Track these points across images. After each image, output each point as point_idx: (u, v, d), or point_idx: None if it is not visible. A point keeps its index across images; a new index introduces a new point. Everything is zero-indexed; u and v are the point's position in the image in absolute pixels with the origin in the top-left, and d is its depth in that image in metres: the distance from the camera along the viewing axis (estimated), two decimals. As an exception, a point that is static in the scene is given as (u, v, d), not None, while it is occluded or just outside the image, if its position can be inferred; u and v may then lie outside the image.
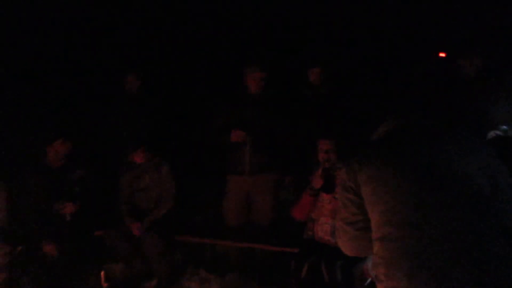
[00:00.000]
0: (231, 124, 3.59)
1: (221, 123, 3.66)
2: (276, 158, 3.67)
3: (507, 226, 1.49)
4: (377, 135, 1.71)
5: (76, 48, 4.50)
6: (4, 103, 3.91)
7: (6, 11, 3.89)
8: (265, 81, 3.63)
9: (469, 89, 3.28)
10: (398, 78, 3.69)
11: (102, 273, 3.40)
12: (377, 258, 1.52)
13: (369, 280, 2.71)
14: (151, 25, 4.58)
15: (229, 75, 3.82)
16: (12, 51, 4.03)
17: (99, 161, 4.06)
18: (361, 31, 4.52)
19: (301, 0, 4.88)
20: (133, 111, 4.06)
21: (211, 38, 4.85)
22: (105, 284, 3.51)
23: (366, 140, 1.79)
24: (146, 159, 3.71)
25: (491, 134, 3.51)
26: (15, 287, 3.29)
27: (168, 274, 3.57)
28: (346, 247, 1.71)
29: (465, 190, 1.45)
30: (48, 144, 3.52)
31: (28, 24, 4.15)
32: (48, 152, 3.54)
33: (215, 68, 4.53)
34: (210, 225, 4.03)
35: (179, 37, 4.50)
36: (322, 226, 3.12)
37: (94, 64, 4.51)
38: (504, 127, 3.63)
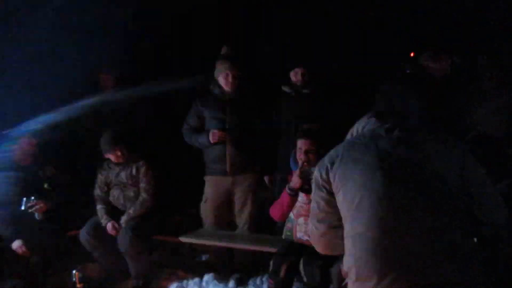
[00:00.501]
0: (208, 123, 3.56)
1: (197, 122, 3.63)
2: (256, 157, 3.65)
3: (478, 223, 1.53)
4: (351, 134, 1.73)
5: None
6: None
7: None
8: (241, 80, 3.59)
9: (441, 90, 3.32)
10: (375, 78, 3.71)
11: (77, 273, 3.32)
12: (348, 255, 1.54)
13: (347, 279, 2.70)
14: (126, 21, 4.50)
15: (208, 74, 3.77)
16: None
17: (74, 159, 3.98)
18: (343, 31, 4.54)
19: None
20: (109, 109, 3.99)
21: (190, 36, 4.81)
22: (79, 285, 3.41)
23: (342, 138, 1.80)
24: (123, 158, 3.64)
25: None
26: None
27: (144, 275, 3.53)
28: (319, 245, 1.73)
29: (437, 190, 1.47)
30: (14, 142, 3.47)
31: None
32: (15, 150, 3.50)
33: (194, 65, 4.48)
34: (189, 225, 3.98)
35: (156, 34, 4.43)
36: (301, 226, 3.11)
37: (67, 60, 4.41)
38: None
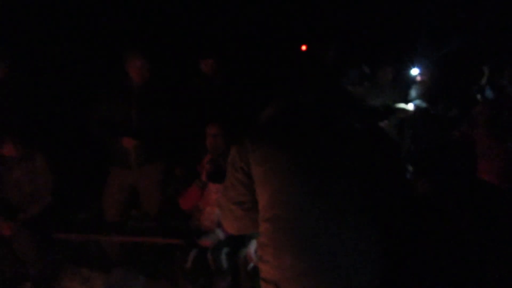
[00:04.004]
0: (112, 117, 3.42)
1: (102, 114, 3.47)
2: (163, 149, 3.59)
3: (382, 212, 1.56)
4: (265, 118, 1.68)
5: None
6: None
7: None
8: (150, 72, 3.50)
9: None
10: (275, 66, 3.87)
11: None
12: (265, 238, 1.54)
13: (251, 264, 2.78)
14: (25, 8, 4.19)
15: (113, 64, 3.62)
16: None
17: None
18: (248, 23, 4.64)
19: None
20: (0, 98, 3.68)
21: (94, 24, 4.60)
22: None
23: (253, 122, 1.77)
24: (16, 151, 3.38)
25: (411, 106, 3.97)
26: None
27: (44, 276, 3.32)
28: (231, 226, 1.71)
29: (348, 176, 1.50)
30: None
31: None
32: None
33: (97, 55, 4.29)
34: (93, 220, 3.82)
35: (54, 21, 4.19)
36: (209, 215, 3.13)
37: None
38: (417, 101, 4.16)
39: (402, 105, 4.31)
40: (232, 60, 4.20)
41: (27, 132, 3.47)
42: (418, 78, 4.50)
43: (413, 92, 4.48)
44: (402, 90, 4.49)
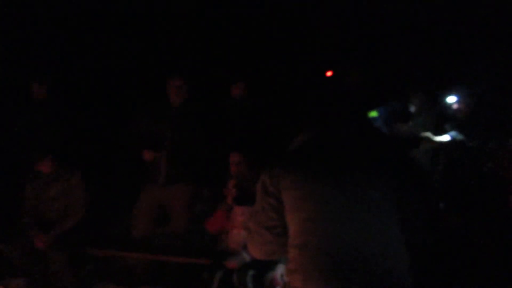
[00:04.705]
0: (148, 135, 3.54)
1: (137, 133, 3.60)
2: (193, 169, 3.67)
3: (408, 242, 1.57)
4: (296, 144, 1.68)
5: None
6: None
7: None
8: (187, 93, 3.63)
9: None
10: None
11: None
12: (294, 264, 1.53)
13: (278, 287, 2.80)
14: (63, 29, 4.40)
15: (152, 85, 3.77)
16: None
17: (2, 168, 3.80)
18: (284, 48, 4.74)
19: (227, 16, 5.00)
20: (40, 118, 3.88)
21: (135, 46, 4.78)
22: (3, 301, 3.26)
23: (282, 150, 1.78)
24: (54, 168, 3.52)
25: (447, 137, 3.88)
26: None
27: (74, 289, 3.41)
28: (258, 251, 1.69)
29: (380, 207, 1.50)
30: None
31: None
32: None
33: (136, 76, 4.45)
34: (121, 237, 3.91)
35: (98, 42, 4.38)
36: (235, 237, 3.17)
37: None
38: (453, 132, 4.05)
39: (429, 135, 4.19)
40: (261, 85, 4.28)
41: (64, 150, 3.62)
42: (455, 106, 4.32)
43: (448, 122, 4.33)
44: (433, 118, 4.40)
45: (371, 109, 3.50)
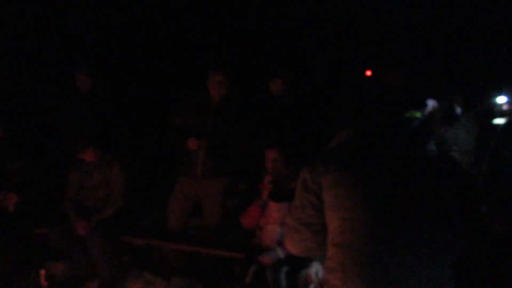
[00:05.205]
0: (187, 127, 3.61)
1: (178, 124, 3.67)
2: (229, 164, 3.72)
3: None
4: (338, 142, 1.66)
5: (28, 44, 4.36)
6: None
7: None
8: (227, 89, 3.67)
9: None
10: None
11: (43, 271, 3.29)
12: (333, 263, 1.52)
13: (312, 285, 2.80)
14: (108, 23, 4.52)
15: (193, 79, 3.84)
16: None
17: (47, 155, 3.95)
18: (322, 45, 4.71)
19: (266, 13, 5.02)
20: (84, 108, 4.01)
21: (174, 41, 4.86)
22: (45, 283, 3.39)
23: (320, 148, 1.80)
24: (96, 157, 3.64)
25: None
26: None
27: (111, 276, 3.50)
28: (296, 247, 1.68)
29: (423, 207, 1.48)
30: None
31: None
32: None
33: (176, 70, 4.53)
34: (157, 227, 4.00)
35: (139, 36, 4.47)
36: (270, 233, 3.18)
37: (46, 60, 4.40)
38: None
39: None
40: (300, 82, 4.28)
41: (107, 140, 3.73)
42: (505, 107, 4.17)
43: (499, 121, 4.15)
44: (475, 121, 4.25)
45: (414, 109, 3.44)
